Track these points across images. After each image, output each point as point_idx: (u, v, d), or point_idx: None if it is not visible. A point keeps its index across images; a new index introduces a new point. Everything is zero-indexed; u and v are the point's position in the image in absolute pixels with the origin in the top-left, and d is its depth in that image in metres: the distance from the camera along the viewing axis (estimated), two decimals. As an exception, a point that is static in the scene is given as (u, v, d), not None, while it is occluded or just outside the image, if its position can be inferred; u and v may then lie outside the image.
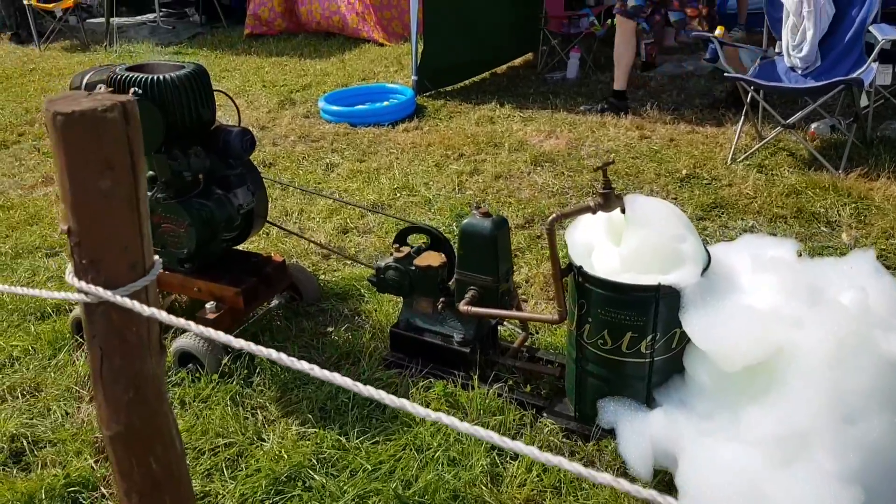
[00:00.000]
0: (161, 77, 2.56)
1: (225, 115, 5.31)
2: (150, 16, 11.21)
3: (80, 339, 2.95)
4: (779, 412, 1.92)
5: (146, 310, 1.19)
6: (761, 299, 2.05)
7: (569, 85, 6.39)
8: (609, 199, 2.19)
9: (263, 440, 2.44)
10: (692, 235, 2.14)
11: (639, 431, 2.15)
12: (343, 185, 4.40)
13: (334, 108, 5.67)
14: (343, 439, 2.40)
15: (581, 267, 2.19)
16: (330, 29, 9.02)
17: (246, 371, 2.70)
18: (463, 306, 2.48)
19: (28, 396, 2.70)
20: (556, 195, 4.10)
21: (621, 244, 2.20)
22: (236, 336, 2.82)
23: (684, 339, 2.18)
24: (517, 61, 7.24)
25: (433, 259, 2.64)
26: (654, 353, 2.17)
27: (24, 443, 2.44)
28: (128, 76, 2.56)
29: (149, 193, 2.72)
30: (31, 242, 3.85)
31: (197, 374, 2.69)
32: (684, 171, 4.25)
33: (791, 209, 3.71)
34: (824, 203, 3.74)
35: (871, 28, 4.22)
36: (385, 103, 5.84)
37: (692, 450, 2.05)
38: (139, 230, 1.23)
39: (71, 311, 3.13)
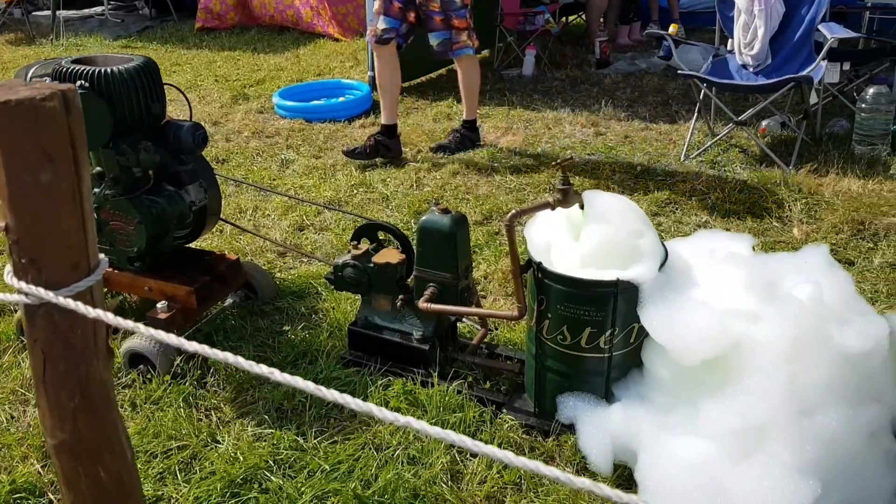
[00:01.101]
0: (109, 70, 2.48)
1: (176, 111, 5.19)
2: (98, 9, 10.94)
3: (25, 341, 2.84)
4: (737, 406, 1.94)
5: (91, 311, 1.14)
6: (719, 294, 2.07)
7: (525, 82, 6.40)
8: (568, 196, 2.18)
9: (218, 442, 2.38)
10: (650, 231, 2.15)
11: (598, 426, 2.15)
12: (299, 182, 4.33)
13: (289, 103, 5.59)
14: (300, 440, 2.35)
15: (541, 263, 2.18)
16: (284, 23, 8.90)
17: (199, 371, 2.64)
18: (422, 303, 2.45)
19: (-31, 401, 2.60)
20: (514, 192, 4.10)
21: (580, 240, 2.20)
22: (189, 336, 2.76)
23: (642, 334, 2.18)
24: (473, 58, 7.22)
25: (392, 256, 2.61)
26: (613, 349, 2.18)
27: (-34, 449, 2.35)
28: (74, 69, 2.47)
29: (96, 190, 2.66)
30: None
31: (148, 376, 2.62)
32: (639, 168, 4.28)
33: (743, 205, 3.77)
34: (776, 199, 3.81)
35: (819, 27, 4.31)
36: (341, 99, 5.78)
37: (651, 444, 2.05)
38: (82, 227, 1.17)
39: (15, 311, 3.03)
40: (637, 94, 5.95)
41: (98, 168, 2.67)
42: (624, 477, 2.14)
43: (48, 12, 9.55)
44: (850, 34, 4.32)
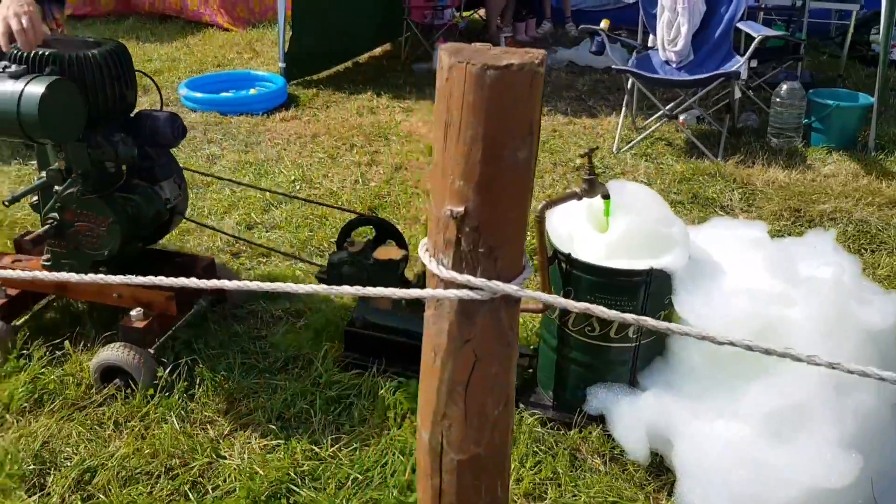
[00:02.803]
0: (82, 54, 2.23)
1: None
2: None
3: None
4: (775, 387, 2.00)
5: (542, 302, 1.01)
6: (747, 278, 2.12)
7: (436, 76, 6.36)
8: (594, 186, 2.17)
9: (223, 457, 2.21)
10: (677, 219, 2.18)
11: (632, 416, 2.16)
12: (234, 178, 4.09)
13: (199, 95, 5.28)
14: (316, 448, 2.22)
15: (570, 254, 2.16)
16: (165, 11, 8.41)
17: (185, 383, 2.44)
18: (435, 300, 2.37)
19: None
20: (461, 185, 4.06)
21: (608, 230, 2.19)
22: (167, 344, 2.53)
23: (669, 321, 2.21)
24: (377, 51, 7.12)
25: (393, 252, 2.51)
26: (641, 337, 2.19)
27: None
28: (43, 53, 2.21)
29: (59, 188, 2.39)
30: None
31: (129, 391, 2.39)
32: (578, 160, 4.36)
33: (686, 195, 3.91)
34: (714, 189, 3.98)
35: (740, 25, 4.54)
36: (252, 91, 5.53)
37: (687, 429, 2.08)
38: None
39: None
40: (550, 90, 6.05)
41: (56, 164, 2.40)
42: (655, 465, 2.16)
43: None
44: (771, 32, 4.59)
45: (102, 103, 2.29)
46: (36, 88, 2.09)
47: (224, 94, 5.45)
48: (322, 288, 1.05)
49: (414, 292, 1.01)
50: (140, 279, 1.13)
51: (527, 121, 0.94)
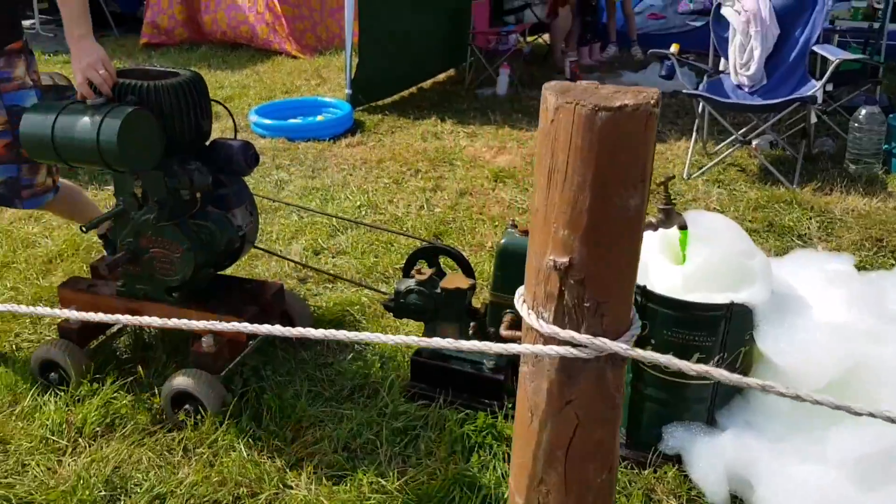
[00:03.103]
0: (160, 84, 2.28)
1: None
2: (27, 22, 10.39)
3: (46, 382, 2.58)
4: (866, 431, 1.89)
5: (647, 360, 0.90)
6: (833, 313, 2.02)
7: (500, 101, 6.35)
8: (670, 216, 2.11)
9: (290, 487, 2.19)
10: (759, 251, 2.09)
11: (711, 456, 2.07)
12: (301, 203, 4.14)
13: (268, 121, 5.38)
14: (382, 481, 2.19)
15: (645, 287, 2.09)
16: (237, 40, 8.62)
17: (253, 409, 2.44)
18: (505, 331, 2.32)
19: (-7, 451, 2.33)
20: (528, 211, 4.01)
21: (685, 262, 2.12)
22: (233, 369, 2.54)
23: (748, 359, 2.12)
24: (440, 77, 7.16)
25: (460, 281, 2.47)
26: (721, 374, 2.10)
27: (8, 508, 2.09)
28: (122, 83, 2.26)
29: (135, 214, 2.43)
30: (-46, 271, 3.38)
31: (199, 416, 2.40)
32: (652, 187, 4.26)
33: (762, 223, 3.79)
34: (791, 217, 3.84)
35: (816, 48, 4.41)
36: (320, 117, 5.60)
37: (770, 472, 1.99)
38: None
39: (30, 348, 2.75)
40: (616, 114, 5.97)
41: (136, 191, 2.45)
42: (735, 508, 2.07)
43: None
44: (849, 55, 4.44)
45: (179, 132, 2.33)
46: (115, 118, 2.14)
47: (292, 121, 5.54)
48: (414, 339, 1.00)
49: (512, 347, 0.95)
50: (223, 325, 1.10)
51: (640, 166, 0.87)
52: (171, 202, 2.40)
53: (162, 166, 2.33)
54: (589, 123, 0.85)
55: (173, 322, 1.18)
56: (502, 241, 2.33)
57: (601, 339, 0.91)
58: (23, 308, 1.28)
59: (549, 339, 0.92)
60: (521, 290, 0.99)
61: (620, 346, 0.91)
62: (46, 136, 2.21)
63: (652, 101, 0.85)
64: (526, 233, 2.33)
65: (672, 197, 3.95)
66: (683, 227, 2.13)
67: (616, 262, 0.91)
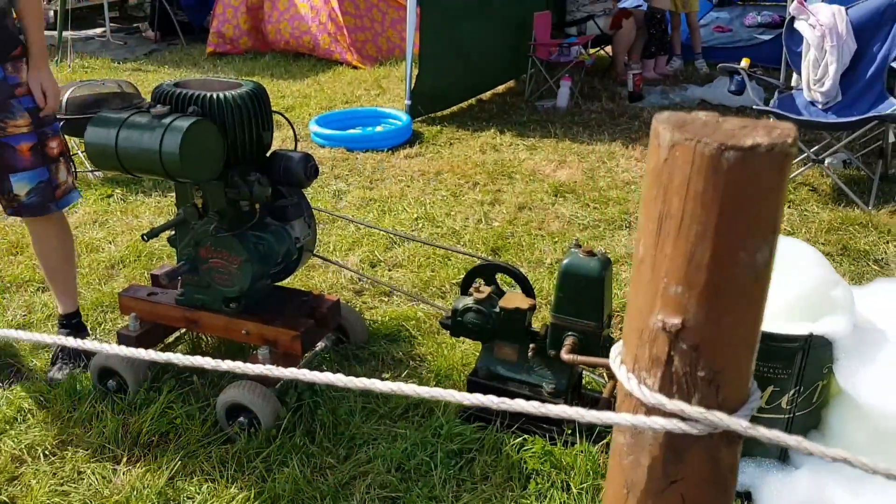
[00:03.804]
0: (223, 95, 2.27)
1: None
2: (99, 30, 10.70)
3: (105, 389, 2.59)
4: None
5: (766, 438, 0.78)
6: (921, 350, 1.89)
7: (561, 114, 6.27)
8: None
9: (342, 507, 2.15)
10: (842, 281, 1.98)
11: (784, 494, 1.95)
12: (358, 215, 4.12)
13: (328, 131, 5.39)
14: (436, 505, 2.13)
15: (716, 313, 1.99)
16: (299, 49, 8.72)
17: (307, 424, 2.41)
18: (566, 355, 2.25)
19: (51, 457, 2.34)
20: (588, 228, 3.92)
21: (759, 289, 2.01)
22: (289, 384, 2.51)
23: (825, 393, 2.00)
24: (500, 88, 7.10)
25: (520, 301, 2.41)
26: (796, 409, 1.99)
27: (63, 516, 2.09)
28: (182, 93, 2.26)
29: (195, 224, 2.43)
30: (20, 274, 3.45)
31: (252, 429, 2.38)
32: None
33: (836, 246, 3.63)
34: (867, 241, 3.67)
35: (895, 64, 4.22)
36: (379, 128, 5.60)
37: (847, 516, 1.86)
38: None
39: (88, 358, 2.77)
40: (680, 129, 5.83)
41: (196, 201, 2.45)
42: (808, 551, 1.95)
43: (53, 32, 9.28)
44: (931, 72, 4.25)
45: (240, 144, 2.32)
46: (178, 129, 2.13)
47: (351, 131, 5.55)
48: (489, 399, 0.90)
49: (607, 416, 0.84)
50: (282, 371, 1.02)
51: (772, 215, 0.74)
52: (230, 213, 2.39)
53: (222, 177, 2.32)
54: (713, 165, 0.72)
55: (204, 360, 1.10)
56: (565, 261, 2.26)
57: (715, 412, 0.78)
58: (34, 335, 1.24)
59: (652, 410, 0.81)
60: (617, 347, 0.89)
61: (739, 423, 0.78)
62: (110, 146, 2.22)
63: (789, 140, 0.72)
64: (590, 253, 2.25)
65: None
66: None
67: (738, 325, 0.78)
